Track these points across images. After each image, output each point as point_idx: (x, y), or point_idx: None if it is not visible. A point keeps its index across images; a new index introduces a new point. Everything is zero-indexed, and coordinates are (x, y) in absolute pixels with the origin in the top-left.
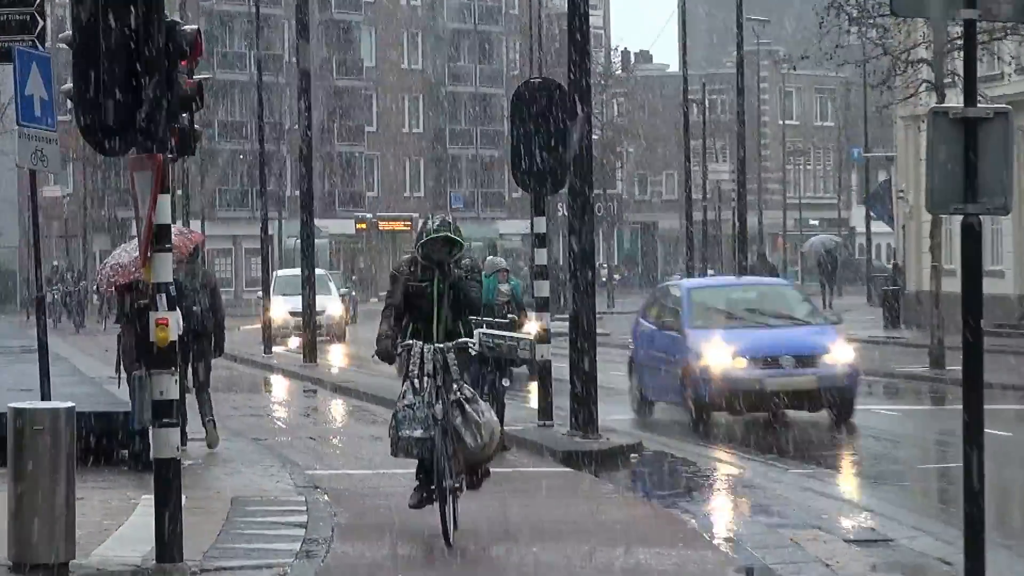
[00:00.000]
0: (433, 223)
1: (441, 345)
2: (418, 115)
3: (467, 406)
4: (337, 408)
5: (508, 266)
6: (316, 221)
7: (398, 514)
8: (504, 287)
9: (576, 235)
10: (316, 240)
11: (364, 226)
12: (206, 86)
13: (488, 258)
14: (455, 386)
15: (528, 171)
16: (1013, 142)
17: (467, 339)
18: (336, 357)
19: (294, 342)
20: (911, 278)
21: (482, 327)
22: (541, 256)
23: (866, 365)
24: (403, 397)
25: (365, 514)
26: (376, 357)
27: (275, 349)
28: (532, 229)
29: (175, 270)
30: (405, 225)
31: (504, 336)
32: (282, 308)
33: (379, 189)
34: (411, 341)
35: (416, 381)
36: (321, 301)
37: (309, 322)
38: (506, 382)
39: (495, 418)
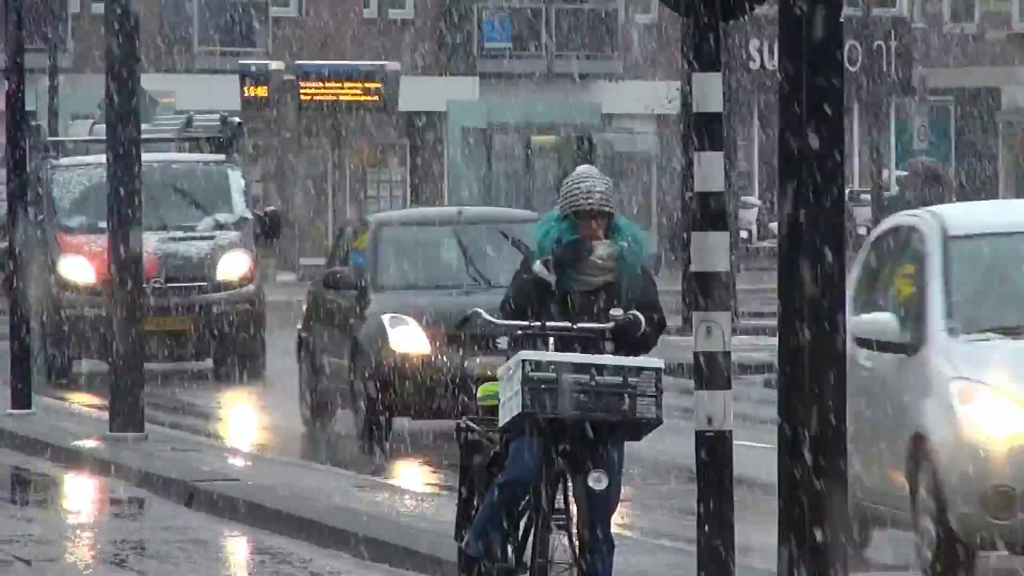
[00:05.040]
0: None
1: None
2: None
3: None
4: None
5: (613, 199)
6: (143, 78)
7: None
8: (603, 248)
9: (804, 126)
10: (144, 127)
11: (265, 91)
12: None
13: (575, 172)
14: None
15: None
16: None
17: None
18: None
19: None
20: None
21: (534, 341)
22: (712, 171)
23: None
24: None
25: None
26: None
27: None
28: (687, 106)
29: None
30: (366, 92)
31: (605, 366)
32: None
33: (302, 5)
34: None
35: None
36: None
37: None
38: (598, 482)
39: None
